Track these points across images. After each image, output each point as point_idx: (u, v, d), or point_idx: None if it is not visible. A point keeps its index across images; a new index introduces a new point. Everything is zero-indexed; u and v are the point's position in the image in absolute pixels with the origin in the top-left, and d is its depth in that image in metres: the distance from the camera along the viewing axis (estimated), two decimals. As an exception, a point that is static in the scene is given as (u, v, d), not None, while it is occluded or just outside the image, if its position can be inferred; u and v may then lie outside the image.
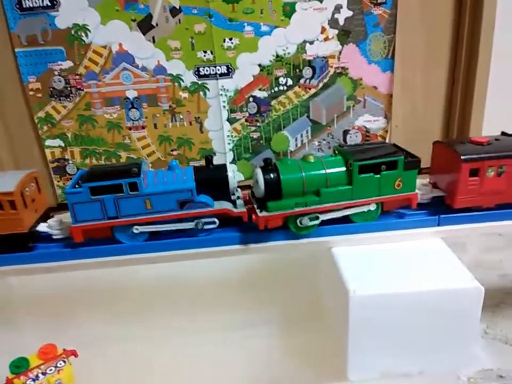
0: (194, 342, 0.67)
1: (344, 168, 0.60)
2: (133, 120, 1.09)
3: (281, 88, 1.12)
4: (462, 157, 0.59)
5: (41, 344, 0.66)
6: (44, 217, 0.67)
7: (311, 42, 1.09)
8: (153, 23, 1.02)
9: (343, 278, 0.54)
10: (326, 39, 1.09)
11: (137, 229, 0.61)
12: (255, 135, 1.16)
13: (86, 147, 1.10)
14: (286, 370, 0.60)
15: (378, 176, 0.59)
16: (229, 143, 1.15)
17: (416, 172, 0.61)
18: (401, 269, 0.56)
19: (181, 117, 1.11)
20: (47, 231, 0.64)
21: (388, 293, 0.52)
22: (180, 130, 1.12)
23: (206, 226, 0.61)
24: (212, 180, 0.62)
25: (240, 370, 0.61)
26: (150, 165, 1.12)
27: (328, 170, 0.60)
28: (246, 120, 1.14)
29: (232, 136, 1.15)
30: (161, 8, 1.01)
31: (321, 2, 1.06)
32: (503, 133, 0.67)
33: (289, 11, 1.05)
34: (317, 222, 0.60)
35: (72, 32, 1.00)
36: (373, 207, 0.61)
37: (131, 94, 1.07)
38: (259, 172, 0.60)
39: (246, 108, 1.13)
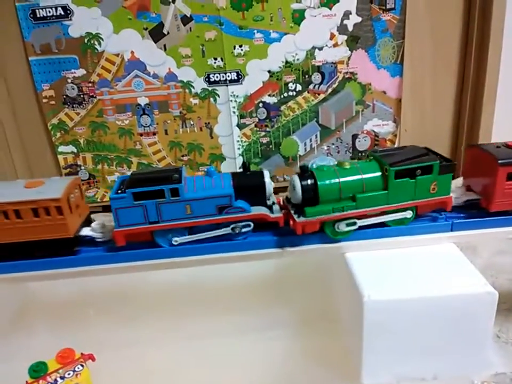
0: (210, 345, 0.67)
1: (379, 173, 0.61)
2: (144, 126, 1.11)
3: (290, 93, 1.13)
4: (499, 161, 0.60)
5: (58, 349, 0.67)
6: (86, 222, 0.69)
7: (320, 48, 1.10)
8: (165, 31, 1.03)
9: (357, 283, 0.55)
10: (335, 45, 1.10)
11: (176, 241, 0.63)
12: (265, 140, 1.17)
13: (98, 153, 1.12)
14: (300, 373, 0.61)
15: (414, 180, 0.60)
16: (238, 148, 1.16)
17: (451, 175, 0.62)
18: (414, 274, 0.57)
19: (192, 122, 1.12)
20: (91, 234, 0.67)
21: (402, 298, 0.53)
22: (190, 136, 1.13)
23: (243, 230, 0.63)
24: (249, 185, 0.64)
25: (256, 372, 0.62)
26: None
27: (364, 176, 0.61)
28: (256, 126, 1.15)
29: (241, 141, 1.16)
30: (172, 17, 1.03)
31: (330, 9, 1.07)
32: None
33: (298, 18, 1.07)
34: (354, 227, 0.62)
35: (85, 40, 1.02)
36: (409, 214, 0.62)
37: (142, 101, 1.08)
38: (296, 179, 0.62)
39: (255, 114, 1.14)
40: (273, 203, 0.66)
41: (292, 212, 0.62)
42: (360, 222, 0.62)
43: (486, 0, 1.09)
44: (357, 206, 0.60)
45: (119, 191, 0.62)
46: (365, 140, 1.22)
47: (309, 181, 0.61)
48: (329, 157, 1.23)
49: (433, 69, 1.16)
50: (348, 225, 0.61)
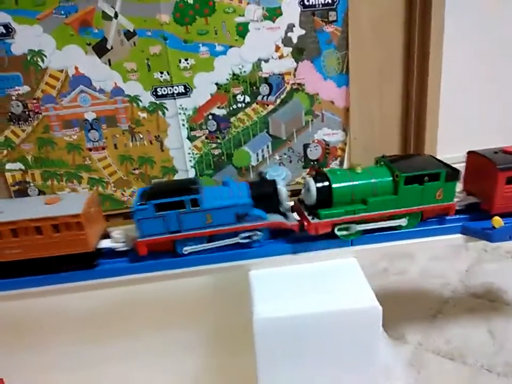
0: (122, 367, 0.67)
1: (390, 179, 0.63)
2: (92, 141, 1.11)
3: (239, 105, 1.15)
4: (498, 167, 0.63)
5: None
6: (103, 237, 0.71)
7: (266, 60, 1.12)
8: (108, 46, 1.04)
9: (253, 300, 0.56)
10: (281, 56, 1.12)
11: (186, 250, 0.65)
12: (216, 152, 1.18)
13: (47, 169, 1.11)
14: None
15: (422, 186, 0.62)
16: (190, 160, 1.17)
17: (455, 183, 0.65)
18: (309, 290, 0.58)
19: (141, 136, 1.12)
20: (112, 245, 0.68)
21: (290, 315, 0.54)
22: (141, 149, 1.14)
23: (259, 238, 0.65)
24: (264, 194, 0.66)
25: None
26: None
27: (375, 180, 0.63)
28: (206, 138, 1.16)
29: (193, 153, 1.17)
30: (115, 32, 1.03)
31: (273, 22, 1.09)
32: None
33: (242, 31, 1.08)
34: (360, 229, 0.64)
35: (28, 58, 1.02)
36: (404, 222, 0.64)
37: (90, 116, 1.08)
38: (311, 181, 0.63)
39: (205, 126, 1.15)
40: (289, 209, 0.67)
41: (306, 213, 0.64)
42: (369, 226, 0.64)
43: (425, 9, 1.12)
44: (368, 209, 0.62)
45: (142, 203, 0.63)
46: (316, 149, 1.24)
47: (324, 183, 0.63)
48: (281, 167, 1.25)
49: (378, 78, 1.19)
50: (357, 227, 0.63)
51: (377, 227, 0.64)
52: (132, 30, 1.04)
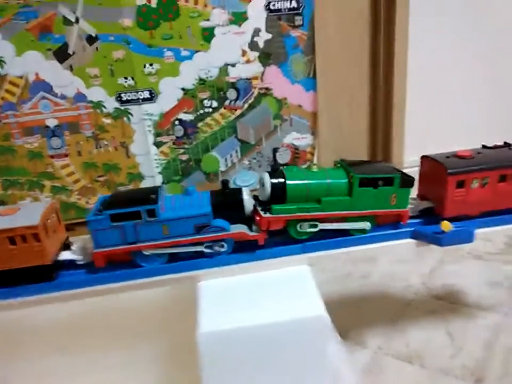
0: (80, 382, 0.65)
1: (345, 180, 0.64)
2: (54, 148, 1.08)
3: (206, 110, 1.14)
4: (449, 171, 0.63)
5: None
6: (64, 247, 0.68)
7: (233, 65, 1.11)
8: (70, 51, 1.01)
9: (198, 313, 0.55)
10: (248, 61, 1.12)
11: (147, 251, 0.63)
12: (184, 157, 1.16)
13: (8, 178, 1.08)
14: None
15: (376, 190, 0.63)
16: (157, 167, 1.15)
17: (409, 190, 0.65)
18: (258, 300, 0.57)
19: (106, 142, 1.10)
20: (72, 258, 0.66)
21: (235, 328, 0.52)
22: (106, 156, 1.11)
23: (221, 250, 0.63)
24: (227, 203, 0.64)
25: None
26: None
27: (330, 180, 0.63)
28: (174, 143, 1.15)
29: (160, 159, 1.15)
30: (77, 37, 1.01)
31: (239, 26, 1.08)
32: (484, 146, 0.71)
33: (208, 36, 1.07)
34: (315, 229, 0.63)
35: (-14, 64, 0.99)
36: (367, 226, 0.65)
37: (51, 123, 1.06)
38: (267, 176, 0.63)
39: (172, 131, 1.13)
40: (253, 220, 0.65)
41: (259, 208, 0.63)
42: (323, 226, 0.63)
43: (390, 11, 1.13)
44: (322, 208, 0.62)
45: (98, 212, 0.61)
46: (285, 153, 1.24)
47: (279, 179, 0.62)
48: (251, 172, 1.24)
49: (346, 82, 1.19)
50: (310, 226, 0.63)
51: (332, 228, 0.64)
52: (93, 35, 1.02)
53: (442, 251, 0.95)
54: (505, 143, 0.74)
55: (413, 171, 0.70)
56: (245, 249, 0.64)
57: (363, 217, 0.64)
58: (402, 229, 0.66)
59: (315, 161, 1.25)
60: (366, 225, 0.64)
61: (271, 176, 0.63)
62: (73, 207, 1.13)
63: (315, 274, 0.96)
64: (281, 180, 0.62)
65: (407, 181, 0.64)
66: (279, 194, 0.62)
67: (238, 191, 0.65)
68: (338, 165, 0.67)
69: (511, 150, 0.70)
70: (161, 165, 1.16)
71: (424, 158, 0.69)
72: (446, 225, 0.62)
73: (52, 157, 1.09)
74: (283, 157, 1.24)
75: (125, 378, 0.66)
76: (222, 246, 0.63)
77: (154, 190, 0.64)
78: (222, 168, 1.20)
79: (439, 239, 0.62)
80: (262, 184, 0.63)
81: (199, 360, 0.51)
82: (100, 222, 0.60)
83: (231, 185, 1.23)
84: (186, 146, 1.16)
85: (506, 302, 0.79)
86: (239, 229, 0.63)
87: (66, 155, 1.09)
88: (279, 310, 0.54)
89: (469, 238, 0.63)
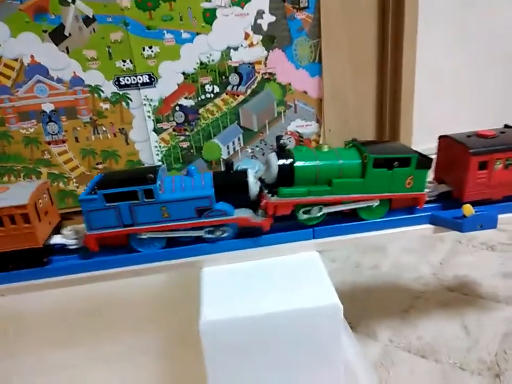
0: (78, 374, 0.62)
1: (358, 161, 0.59)
2: (51, 134, 1.04)
3: (208, 95, 1.10)
4: (471, 150, 0.59)
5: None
6: (57, 230, 0.64)
7: (236, 49, 1.07)
8: (66, 33, 0.98)
9: (201, 302, 0.51)
10: (251, 45, 1.08)
11: (145, 234, 0.59)
12: (185, 145, 1.13)
13: (3, 164, 1.05)
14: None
15: (391, 172, 0.58)
16: (157, 154, 1.12)
17: (427, 171, 0.60)
18: (264, 288, 0.53)
19: (104, 129, 1.06)
20: (63, 242, 0.62)
21: (239, 317, 0.49)
22: (104, 142, 1.08)
23: (223, 235, 0.59)
24: (231, 185, 0.60)
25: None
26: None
27: (342, 161, 0.58)
28: (174, 130, 1.11)
29: (160, 146, 1.11)
30: (73, 18, 0.97)
31: (242, 8, 1.04)
32: (506, 125, 0.66)
33: (209, 17, 1.03)
34: (323, 213, 0.59)
35: (-20, 46, 0.95)
36: (376, 202, 0.60)
37: (48, 107, 1.02)
38: (273, 157, 0.58)
39: (172, 117, 1.10)
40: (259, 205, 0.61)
41: (265, 192, 0.59)
42: (329, 209, 0.59)
43: (399, -3, 1.09)
44: (332, 191, 0.58)
45: (92, 192, 0.57)
46: (289, 141, 1.20)
47: (287, 160, 0.57)
48: (254, 160, 1.21)
49: (352, 67, 1.15)
50: (320, 210, 0.59)
51: (342, 209, 0.60)
52: (90, 16, 0.98)
53: (453, 241, 0.92)
54: None
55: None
56: (250, 234, 0.60)
57: (377, 202, 0.60)
58: (419, 214, 0.62)
59: (320, 149, 1.21)
60: (374, 202, 0.60)
61: (279, 157, 0.58)
62: (71, 195, 1.10)
63: (324, 264, 0.94)
64: (289, 161, 0.57)
65: (424, 162, 0.59)
66: (287, 176, 0.57)
67: (243, 173, 0.61)
68: (351, 145, 0.63)
69: None
70: (162, 152, 1.12)
71: (442, 137, 0.65)
72: (468, 209, 0.58)
73: (49, 143, 1.05)
74: (287, 145, 1.20)
75: (121, 370, 0.63)
76: (224, 231, 0.59)
77: (153, 170, 0.60)
78: (224, 156, 1.16)
79: (460, 224, 0.58)
80: (269, 166, 0.59)
81: (202, 350, 0.48)
82: (94, 202, 0.56)
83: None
84: (187, 133, 1.12)
85: (522, 293, 0.76)
86: (243, 213, 0.59)
87: (63, 141, 1.06)
88: (288, 299, 0.50)
89: (492, 223, 0.59)
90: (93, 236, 0.57)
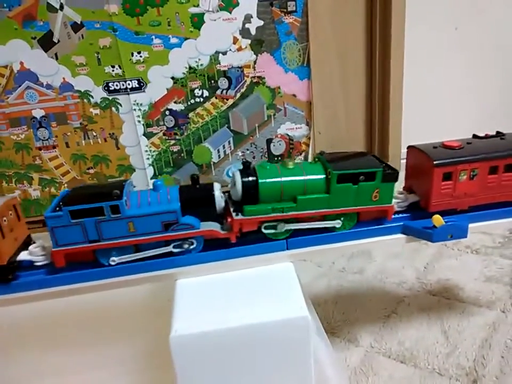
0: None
1: (323, 176, 0.59)
2: (42, 140, 1.05)
3: (197, 100, 1.10)
4: (435, 162, 0.59)
5: None
6: (25, 245, 0.64)
7: (224, 53, 1.07)
8: (55, 39, 0.98)
9: (173, 315, 0.51)
10: (239, 49, 1.08)
11: (114, 260, 0.59)
12: (175, 149, 1.13)
13: (-5, 170, 1.06)
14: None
15: (356, 186, 0.59)
16: (148, 158, 1.13)
17: (393, 184, 0.61)
18: (236, 300, 0.54)
19: (94, 134, 1.07)
20: (29, 258, 0.62)
21: (209, 330, 0.49)
22: (95, 147, 1.09)
23: (190, 247, 0.60)
24: (197, 199, 0.60)
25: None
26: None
27: (307, 177, 0.59)
28: (164, 134, 1.12)
29: (150, 151, 1.12)
30: (61, 24, 0.98)
31: (230, 12, 1.04)
32: (474, 136, 0.67)
33: (197, 22, 1.04)
34: (288, 229, 0.60)
35: (-31, 53, 0.96)
36: (338, 224, 0.61)
37: (38, 113, 1.03)
38: (237, 175, 0.59)
39: (162, 122, 1.10)
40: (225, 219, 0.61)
41: (232, 209, 0.59)
42: (293, 226, 0.60)
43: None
44: (298, 207, 0.58)
45: (57, 208, 0.58)
46: (279, 144, 1.20)
47: (250, 178, 0.58)
48: (244, 163, 1.21)
49: (341, 70, 1.15)
50: (286, 226, 0.59)
51: (307, 227, 0.60)
52: (79, 22, 0.98)
53: (439, 245, 0.92)
54: (497, 132, 0.69)
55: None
56: (224, 246, 0.61)
57: (343, 215, 0.60)
58: (391, 224, 0.62)
59: (310, 152, 1.21)
60: (336, 222, 0.61)
61: (242, 174, 0.59)
62: (62, 200, 1.11)
63: (309, 270, 0.94)
64: (253, 178, 0.58)
65: (390, 175, 0.59)
66: (251, 193, 0.58)
67: (209, 186, 0.61)
68: (317, 160, 0.63)
69: (503, 139, 0.65)
70: (152, 156, 1.13)
71: (410, 148, 0.65)
72: (438, 220, 0.58)
73: (40, 148, 1.06)
74: (277, 148, 1.20)
75: (97, 380, 0.64)
76: (192, 244, 0.60)
77: (119, 185, 0.60)
78: (215, 159, 1.17)
79: (430, 235, 0.59)
80: (234, 183, 0.59)
81: (173, 364, 0.48)
82: (59, 219, 0.56)
83: (224, 177, 1.21)
84: (177, 137, 1.13)
85: (504, 298, 0.76)
86: (210, 226, 0.60)
87: (54, 147, 1.07)
88: (258, 311, 0.50)
89: (462, 233, 0.60)
90: (59, 251, 0.57)
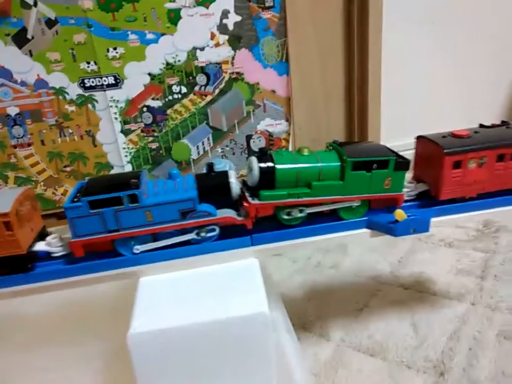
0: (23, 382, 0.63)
1: (337, 163, 0.60)
2: (17, 137, 1.04)
3: (175, 96, 1.10)
4: (445, 150, 0.60)
5: None
6: (41, 236, 0.64)
7: (202, 49, 1.07)
8: (29, 36, 0.97)
9: (133, 313, 0.51)
10: (217, 44, 1.08)
11: (137, 249, 0.59)
12: (154, 146, 1.13)
13: (-31, 169, 1.05)
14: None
15: (370, 174, 0.60)
16: (126, 155, 1.12)
17: (404, 173, 0.62)
18: (198, 297, 0.53)
19: (70, 131, 1.06)
20: (47, 249, 0.61)
21: (167, 327, 0.48)
22: (71, 145, 1.08)
23: (208, 234, 0.60)
24: (214, 187, 0.60)
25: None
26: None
27: (322, 164, 0.60)
28: (142, 131, 1.11)
29: (128, 148, 1.11)
30: (35, 21, 0.97)
31: (207, 8, 1.04)
32: (481, 125, 0.68)
33: (174, 18, 1.03)
34: (303, 214, 0.60)
35: None
36: (357, 203, 0.62)
37: (12, 111, 1.02)
38: (254, 161, 0.59)
39: (140, 118, 1.10)
40: (241, 205, 0.62)
41: (247, 194, 0.60)
42: (311, 209, 0.61)
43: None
44: (312, 193, 0.59)
45: (75, 199, 0.57)
46: (259, 140, 1.20)
47: (268, 164, 0.59)
48: (224, 159, 1.21)
49: (320, 66, 1.16)
50: (301, 211, 0.60)
51: (322, 210, 0.61)
52: (53, 18, 0.97)
53: (413, 238, 0.92)
54: (502, 121, 0.70)
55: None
56: (189, 243, 0.61)
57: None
58: (357, 219, 0.62)
59: (290, 148, 1.21)
60: (355, 203, 0.61)
61: (259, 160, 0.59)
62: (39, 199, 1.10)
63: (284, 265, 0.94)
64: (270, 164, 0.59)
65: (402, 164, 0.60)
66: (268, 179, 0.59)
67: (225, 174, 0.62)
68: (331, 148, 0.64)
69: (509, 128, 0.67)
70: (130, 153, 1.12)
71: (419, 138, 0.66)
72: (400, 214, 0.59)
73: (15, 146, 1.05)
74: (257, 144, 1.20)
75: (69, 377, 0.63)
76: (214, 230, 0.60)
77: (136, 175, 0.60)
78: (194, 156, 1.17)
79: (392, 229, 0.59)
80: (250, 169, 0.60)
81: (132, 362, 0.48)
82: (78, 209, 0.56)
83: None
84: (155, 134, 1.12)
85: (474, 290, 0.76)
86: (226, 213, 0.60)
87: (29, 144, 1.05)
88: (218, 307, 0.50)
89: (424, 227, 0.60)
90: (78, 242, 0.57)
